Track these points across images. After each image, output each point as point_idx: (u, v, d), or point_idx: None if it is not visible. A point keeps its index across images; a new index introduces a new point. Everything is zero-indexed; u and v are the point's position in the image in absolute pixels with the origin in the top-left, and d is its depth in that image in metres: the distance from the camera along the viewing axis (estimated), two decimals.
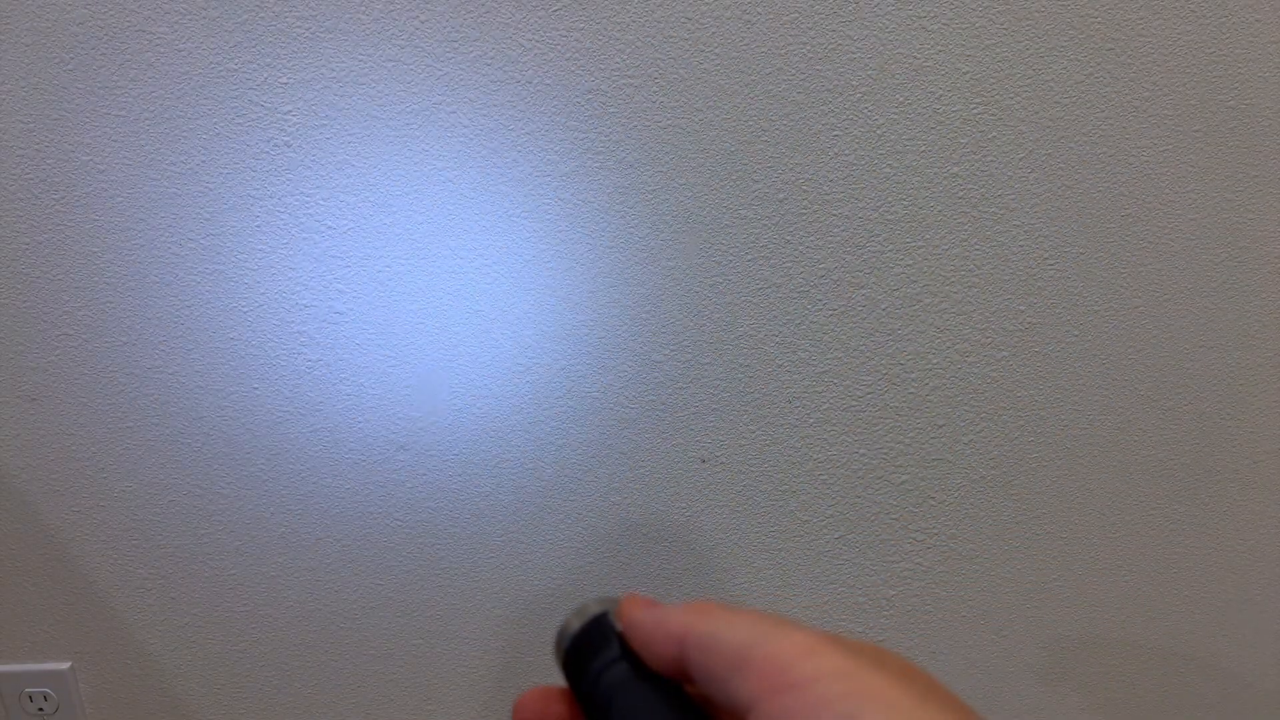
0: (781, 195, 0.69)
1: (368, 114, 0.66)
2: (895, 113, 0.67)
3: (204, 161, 0.68)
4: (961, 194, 0.69)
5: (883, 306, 0.72)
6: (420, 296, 0.71)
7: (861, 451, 0.76)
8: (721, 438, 0.76)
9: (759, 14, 0.64)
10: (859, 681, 0.20)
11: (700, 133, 0.67)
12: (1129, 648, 0.83)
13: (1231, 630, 0.83)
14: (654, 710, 0.23)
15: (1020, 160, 0.68)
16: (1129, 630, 0.82)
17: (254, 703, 0.86)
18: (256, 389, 0.74)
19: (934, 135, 0.68)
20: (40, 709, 0.85)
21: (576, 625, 0.27)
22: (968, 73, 0.66)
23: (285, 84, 0.66)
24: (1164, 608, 0.82)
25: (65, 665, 0.84)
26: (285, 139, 0.67)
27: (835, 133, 0.67)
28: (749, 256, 0.71)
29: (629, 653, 0.25)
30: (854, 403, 0.75)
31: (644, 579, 0.80)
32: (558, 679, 0.27)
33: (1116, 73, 0.66)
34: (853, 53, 0.65)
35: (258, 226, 0.69)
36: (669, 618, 0.24)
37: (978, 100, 0.67)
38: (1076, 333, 0.73)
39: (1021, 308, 0.72)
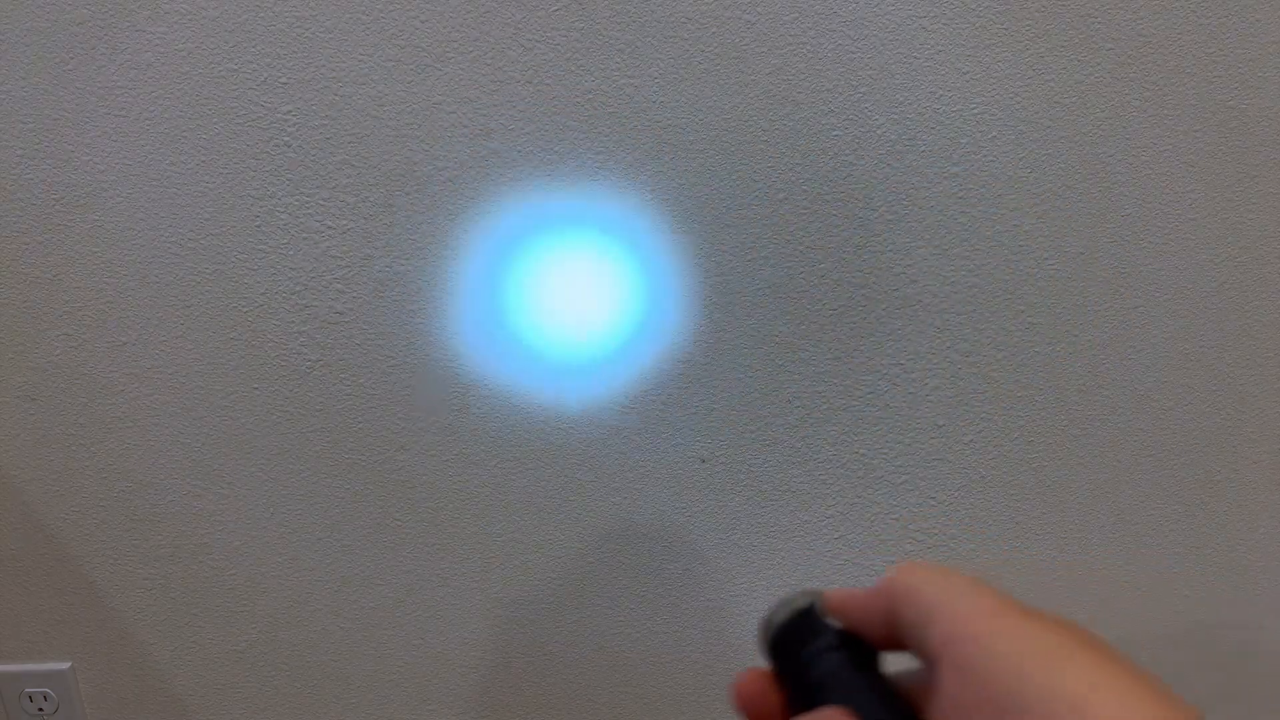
0: (781, 195, 0.69)
1: (368, 114, 0.66)
2: (895, 113, 0.67)
3: (204, 161, 0.68)
4: (961, 194, 0.69)
5: (883, 306, 0.72)
6: (420, 297, 0.71)
7: (861, 451, 0.76)
8: (721, 438, 0.76)
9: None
10: (1035, 641, 0.22)
11: (701, 133, 0.67)
12: (1129, 647, 0.83)
13: (1234, 630, 0.83)
14: (858, 690, 0.25)
15: (1020, 160, 0.68)
16: (1129, 630, 0.82)
17: (253, 702, 0.86)
18: (256, 389, 0.74)
19: (934, 135, 0.68)
20: (40, 709, 0.85)
21: (783, 615, 0.29)
22: (968, 73, 0.66)
23: (285, 84, 0.66)
24: (1164, 608, 0.82)
25: (65, 665, 0.84)
26: (285, 139, 0.67)
27: (835, 132, 0.67)
28: (748, 256, 0.71)
29: (838, 643, 0.27)
30: (854, 403, 0.75)
31: (644, 579, 0.80)
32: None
33: (1117, 73, 0.66)
34: (852, 52, 0.65)
35: (258, 226, 0.69)
36: (879, 580, 0.26)
37: (978, 100, 0.67)
38: (1076, 333, 0.73)
39: (1021, 308, 0.72)
